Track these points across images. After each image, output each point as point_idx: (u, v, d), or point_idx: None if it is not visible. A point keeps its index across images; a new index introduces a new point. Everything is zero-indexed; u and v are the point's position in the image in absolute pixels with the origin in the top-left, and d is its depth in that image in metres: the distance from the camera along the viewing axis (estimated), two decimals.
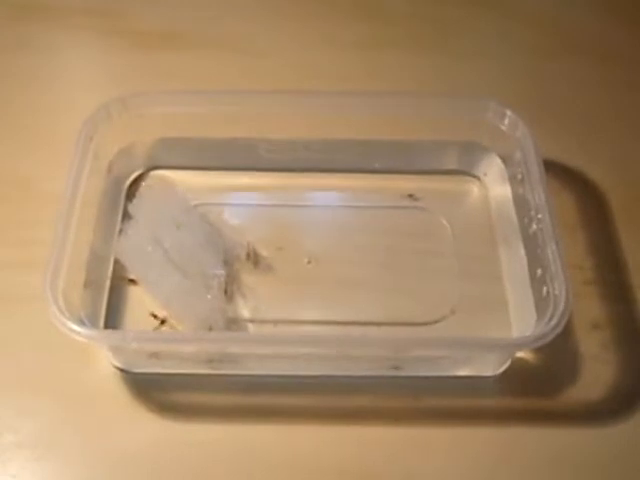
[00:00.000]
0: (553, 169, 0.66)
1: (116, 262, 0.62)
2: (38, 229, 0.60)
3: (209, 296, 0.59)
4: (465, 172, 0.70)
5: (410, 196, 0.68)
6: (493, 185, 0.68)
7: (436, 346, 0.55)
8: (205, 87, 0.69)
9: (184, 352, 0.56)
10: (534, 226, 0.60)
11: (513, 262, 0.63)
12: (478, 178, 0.69)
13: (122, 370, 0.58)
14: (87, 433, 0.56)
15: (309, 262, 0.64)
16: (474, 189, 0.69)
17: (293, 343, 0.54)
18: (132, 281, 0.61)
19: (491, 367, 0.59)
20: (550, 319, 0.54)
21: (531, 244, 0.60)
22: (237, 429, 0.56)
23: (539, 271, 0.58)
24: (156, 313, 0.60)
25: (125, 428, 0.56)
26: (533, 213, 0.60)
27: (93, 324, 0.57)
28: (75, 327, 0.52)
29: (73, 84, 0.78)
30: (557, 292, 0.55)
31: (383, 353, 0.56)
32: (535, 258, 0.59)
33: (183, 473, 0.54)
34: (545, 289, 0.57)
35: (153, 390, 0.57)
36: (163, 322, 0.60)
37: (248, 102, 0.65)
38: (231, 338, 0.56)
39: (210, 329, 0.58)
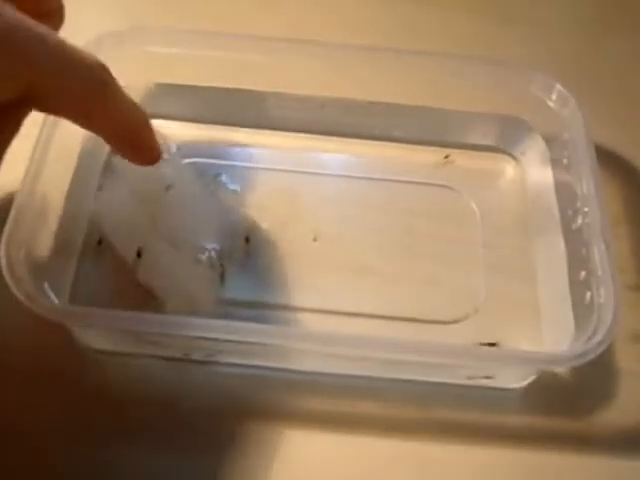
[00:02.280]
0: (600, 155, 0.58)
1: (91, 223, 0.55)
2: (7, 175, 0.51)
3: (196, 272, 0.52)
4: (501, 150, 0.63)
5: (446, 157, 0.62)
6: (531, 167, 0.61)
7: (450, 355, 0.48)
8: (213, 28, 0.60)
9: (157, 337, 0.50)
10: (579, 220, 0.53)
11: (550, 259, 0.56)
12: (515, 158, 0.62)
13: (89, 347, 0.51)
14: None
15: (315, 240, 0.57)
16: (509, 169, 0.62)
17: (276, 337, 0.47)
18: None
19: (515, 379, 0.52)
20: (593, 334, 0.48)
21: (574, 241, 0.54)
22: (218, 428, 0.50)
23: (582, 273, 0.52)
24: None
25: (84, 412, 0.50)
26: (579, 205, 0.54)
27: (58, 294, 0.50)
28: (31, 299, 0.45)
29: (69, 12, 0.68)
30: (603, 300, 0.49)
31: (385, 356, 0.50)
32: (578, 258, 0.53)
33: None
34: (588, 295, 0.50)
35: (122, 373, 0.51)
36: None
37: (260, 49, 0.57)
38: (212, 326, 0.48)
39: (195, 310, 0.50)
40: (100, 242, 0.54)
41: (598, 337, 0.47)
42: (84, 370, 0.51)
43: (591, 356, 0.46)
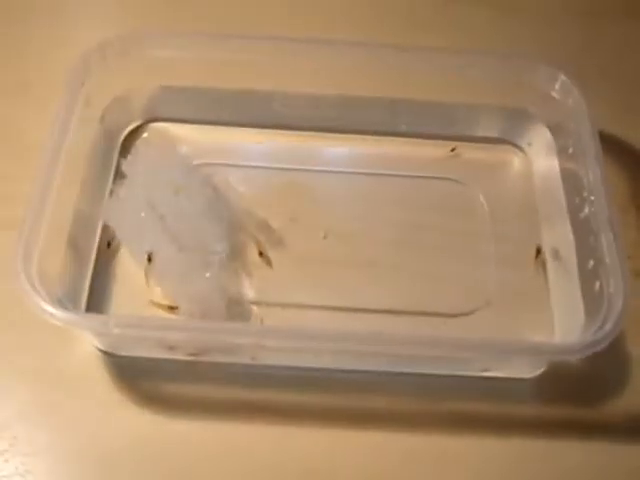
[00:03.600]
0: (605, 142, 0.57)
1: (104, 228, 0.55)
2: (17, 184, 0.52)
3: (207, 274, 0.52)
4: (507, 141, 0.63)
5: (452, 150, 0.62)
6: (538, 158, 0.61)
7: (464, 348, 0.48)
8: (217, 30, 0.61)
9: (175, 340, 0.50)
10: (586, 209, 0.53)
11: (559, 249, 0.56)
12: (521, 149, 0.62)
13: (105, 353, 0.52)
14: (61, 424, 0.50)
15: (325, 237, 0.57)
16: (515, 161, 0.62)
17: (294, 338, 0.48)
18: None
19: (526, 369, 0.52)
20: (603, 323, 0.48)
21: (582, 230, 0.54)
22: (232, 427, 0.50)
23: (591, 262, 0.52)
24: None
25: (105, 419, 0.50)
26: (586, 194, 0.54)
27: (73, 302, 0.51)
28: (49, 308, 0.45)
29: (73, 18, 0.70)
30: (612, 290, 0.49)
31: (398, 352, 0.50)
32: (586, 247, 0.53)
33: (166, 473, 0.49)
34: (598, 284, 0.50)
35: (140, 377, 0.51)
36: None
37: (264, 49, 0.57)
38: (227, 329, 0.48)
39: (207, 312, 0.51)
40: (109, 245, 0.55)
41: (608, 326, 0.47)
42: (98, 373, 0.51)
43: (602, 345, 0.46)
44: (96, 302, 0.53)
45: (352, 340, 0.47)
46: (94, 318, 0.50)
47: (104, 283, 0.54)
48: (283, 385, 0.51)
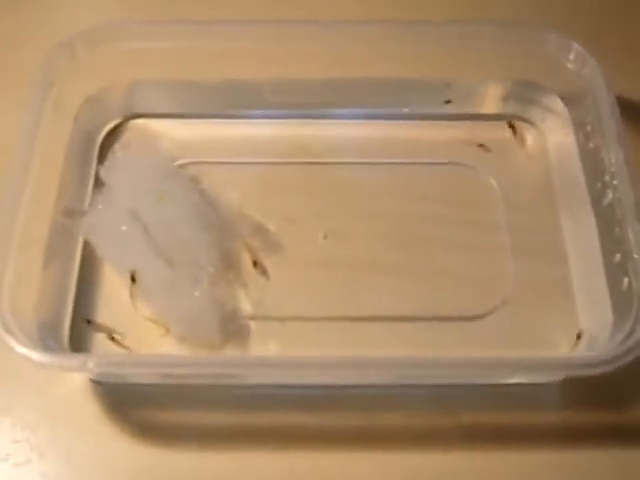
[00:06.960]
0: (628, 116, 0.53)
1: (85, 245, 0.51)
2: None
3: (197, 293, 0.48)
4: (518, 118, 0.58)
5: (480, 146, 0.57)
6: (553, 136, 0.57)
7: (476, 368, 0.45)
8: (197, 16, 0.57)
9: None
10: (609, 195, 0.49)
11: (581, 238, 0.52)
12: (534, 126, 0.58)
13: (95, 381, 0.48)
14: (51, 457, 0.46)
15: (325, 237, 0.53)
16: (529, 139, 0.58)
17: (299, 369, 0.45)
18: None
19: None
20: (634, 325, 0.44)
21: (605, 219, 0.50)
22: (234, 456, 0.47)
23: (617, 256, 0.48)
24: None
25: (98, 452, 0.47)
26: (608, 178, 0.49)
27: (54, 331, 0.47)
28: (23, 350, 0.41)
29: (44, 10, 0.66)
30: None
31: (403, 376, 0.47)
32: (611, 238, 0.49)
33: None
34: (626, 281, 0.46)
35: (133, 406, 0.48)
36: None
37: (249, 34, 0.54)
38: (217, 362, 0.46)
39: (200, 334, 0.48)
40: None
41: (638, 332, 0.43)
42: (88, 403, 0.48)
43: (632, 356, 0.42)
44: (81, 327, 0.49)
45: (356, 368, 0.44)
46: (73, 358, 0.46)
47: (89, 303, 0.50)
48: (285, 406, 0.48)
